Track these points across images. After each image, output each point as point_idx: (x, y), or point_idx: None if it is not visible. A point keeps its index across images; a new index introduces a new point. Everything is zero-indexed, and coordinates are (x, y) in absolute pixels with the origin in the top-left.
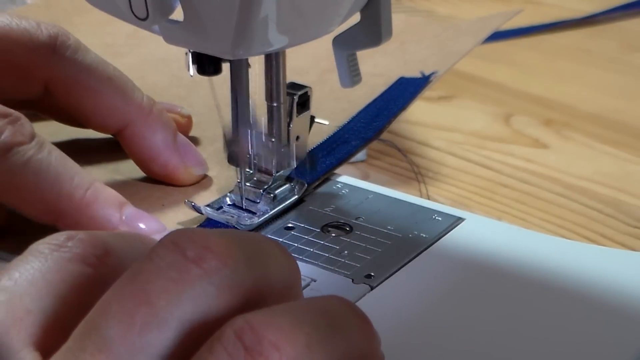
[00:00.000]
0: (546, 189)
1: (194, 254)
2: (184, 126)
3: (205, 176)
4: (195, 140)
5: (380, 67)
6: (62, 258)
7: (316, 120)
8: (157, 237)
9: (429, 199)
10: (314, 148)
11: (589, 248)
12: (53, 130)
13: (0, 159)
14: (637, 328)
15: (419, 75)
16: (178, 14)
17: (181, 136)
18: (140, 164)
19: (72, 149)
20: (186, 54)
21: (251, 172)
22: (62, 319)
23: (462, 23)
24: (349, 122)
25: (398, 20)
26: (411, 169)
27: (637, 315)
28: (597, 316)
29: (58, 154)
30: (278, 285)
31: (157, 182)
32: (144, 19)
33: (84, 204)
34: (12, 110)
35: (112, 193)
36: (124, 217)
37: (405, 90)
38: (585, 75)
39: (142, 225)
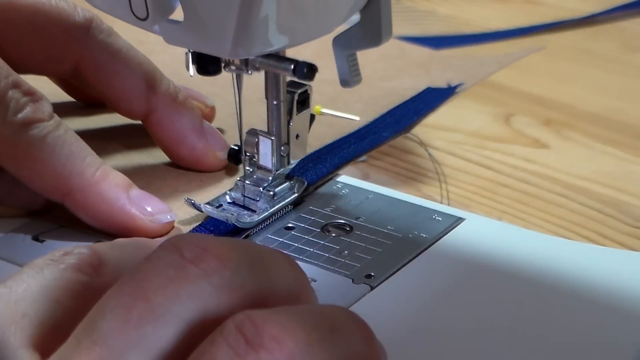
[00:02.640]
0: (546, 189)
1: (192, 255)
2: (207, 115)
3: (228, 163)
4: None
5: (408, 84)
6: (57, 268)
7: (347, 116)
8: (161, 217)
9: (448, 201)
10: (346, 136)
11: (589, 248)
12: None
13: (19, 133)
14: (637, 328)
15: (445, 86)
16: (178, 14)
17: (206, 122)
18: (167, 149)
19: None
20: (186, 54)
21: (251, 170)
22: (61, 324)
23: (485, 56)
24: (380, 117)
25: (424, 51)
26: (433, 168)
27: (637, 315)
28: (597, 316)
29: (73, 134)
30: (282, 293)
31: (182, 169)
32: (144, 19)
33: (94, 181)
34: (36, 90)
35: (120, 175)
36: (131, 196)
37: (432, 97)
38: (585, 75)
39: (147, 208)
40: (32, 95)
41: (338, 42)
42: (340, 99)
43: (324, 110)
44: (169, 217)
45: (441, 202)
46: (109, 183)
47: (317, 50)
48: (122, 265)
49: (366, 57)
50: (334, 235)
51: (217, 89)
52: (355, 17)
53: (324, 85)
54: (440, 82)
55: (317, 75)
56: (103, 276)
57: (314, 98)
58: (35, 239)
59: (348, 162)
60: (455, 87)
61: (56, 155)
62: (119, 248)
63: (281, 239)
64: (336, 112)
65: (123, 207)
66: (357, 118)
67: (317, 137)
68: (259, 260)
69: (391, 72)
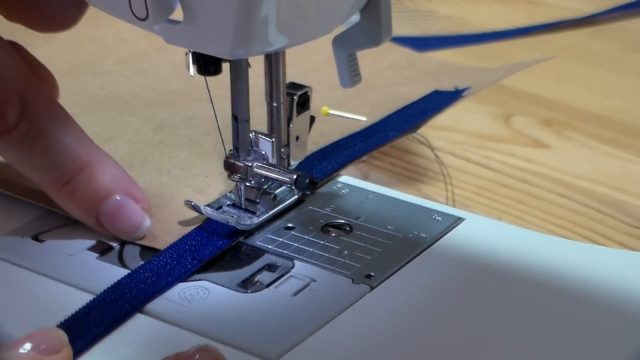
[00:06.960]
0: (546, 189)
1: None
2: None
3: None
4: None
5: (416, 90)
6: None
7: (354, 117)
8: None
9: (454, 202)
10: (351, 135)
11: (589, 248)
12: None
13: None
14: (637, 328)
15: (452, 89)
16: (178, 14)
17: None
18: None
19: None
20: (186, 54)
21: (252, 180)
22: None
23: (494, 65)
24: (386, 117)
25: (433, 60)
26: (433, 168)
27: (637, 315)
28: (597, 316)
29: (49, 128)
30: None
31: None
32: (144, 19)
33: (61, 197)
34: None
35: (95, 187)
36: (101, 213)
37: (439, 99)
38: (585, 75)
39: (116, 226)
40: None
41: (338, 42)
42: (348, 103)
43: (331, 111)
44: (135, 236)
45: (446, 204)
46: (76, 202)
47: (327, 56)
48: None
49: (376, 65)
50: (334, 235)
51: (224, 92)
52: (355, 17)
53: (333, 90)
54: (447, 89)
55: (326, 81)
56: None
57: (322, 102)
58: (35, 239)
59: (353, 160)
60: (462, 90)
61: (25, 168)
62: None
63: (281, 239)
64: (343, 112)
65: (90, 224)
66: (364, 118)
67: (324, 136)
68: None
69: (400, 80)
